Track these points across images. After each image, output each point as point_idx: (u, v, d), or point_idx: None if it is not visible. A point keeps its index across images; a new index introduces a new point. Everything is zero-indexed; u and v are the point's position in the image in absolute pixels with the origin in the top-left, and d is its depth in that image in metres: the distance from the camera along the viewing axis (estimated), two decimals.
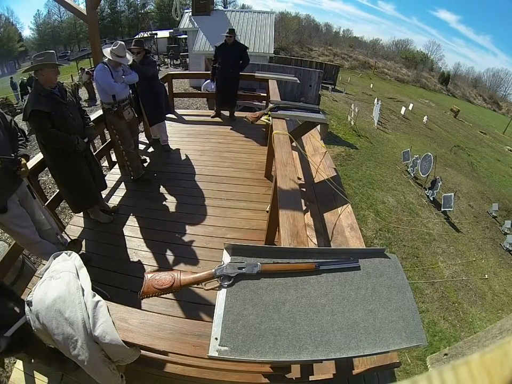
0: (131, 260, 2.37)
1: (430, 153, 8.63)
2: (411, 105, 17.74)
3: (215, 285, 1.01)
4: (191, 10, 14.37)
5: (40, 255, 2.13)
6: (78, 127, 2.27)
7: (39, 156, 2.31)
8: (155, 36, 23.98)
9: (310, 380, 1.49)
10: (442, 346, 3.93)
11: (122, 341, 1.02)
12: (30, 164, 2.20)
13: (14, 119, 2.04)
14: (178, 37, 22.30)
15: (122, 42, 2.82)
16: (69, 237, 2.38)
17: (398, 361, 1.52)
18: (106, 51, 2.81)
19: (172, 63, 20.21)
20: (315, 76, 9.53)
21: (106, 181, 2.88)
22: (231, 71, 4.38)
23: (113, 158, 3.56)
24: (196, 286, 1.05)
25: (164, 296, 1.98)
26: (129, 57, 2.97)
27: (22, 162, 1.81)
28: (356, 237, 2.34)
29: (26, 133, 2.11)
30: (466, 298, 5.21)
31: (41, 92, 2.02)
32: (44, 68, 1.99)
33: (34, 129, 2.08)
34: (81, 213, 2.74)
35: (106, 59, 2.84)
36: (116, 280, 2.18)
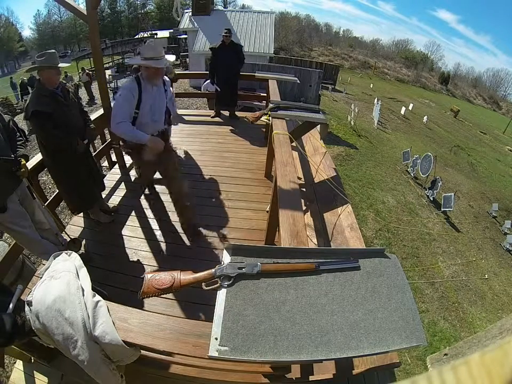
0: (131, 259, 2.37)
1: (430, 153, 8.63)
2: (411, 105, 17.74)
3: (215, 285, 1.01)
4: (191, 10, 14.37)
5: (40, 255, 2.13)
6: (79, 128, 2.27)
7: (39, 156, 2.31)
8: (155, 36, 23.98)
9: (310, 380, 1.49)
10: (442, 346, 3.93)
11: (122, 341, 1.02)
12: (30, 164, 2.20)
13: (14, 119, 2.04)
14: (178, 37, 22.30)
15: (153, 40, 2.24)
16: (69, 237, 2.38)
17: (398, 361, 1.52)
18: (136, 60, 2.19)
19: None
20: (315, 76, 9.53)
21: (106, 181, 2.88)
22: (233, 70, 4.37)
23: (113, 158, 3.55)
24: (195, 286, 1.05)
25: (164, 296, 1.98)
26: (170, 57, 2.39)
27: (22, 162, 1.81)
28: (356, 237, 2.34)
29: (26, 133, 2.11)
30: (466, 298, 5.20)
31: (43, 92, 2.01)
32: (44, 69, 1.98)
33: (34, 130, 2.08)
34: (81, 213, 2.74)
35: (138, 72, 2.17)
36: (116, 280, 2.18)
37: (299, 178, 2.88)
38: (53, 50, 2.04)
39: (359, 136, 11.16)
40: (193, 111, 8.31)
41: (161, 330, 1.07)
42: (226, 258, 1.11)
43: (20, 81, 12.25)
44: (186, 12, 14.75)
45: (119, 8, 43.79)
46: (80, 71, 13.91)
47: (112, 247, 2.48)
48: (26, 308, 1.07)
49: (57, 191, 2.61)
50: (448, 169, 10.75)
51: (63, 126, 2.10)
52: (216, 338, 0.88)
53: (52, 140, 2.08)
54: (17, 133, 1.97)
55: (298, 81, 4.70)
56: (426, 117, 16.12)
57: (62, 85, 2.15)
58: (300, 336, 0.92)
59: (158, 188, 3.12)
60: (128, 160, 3.58)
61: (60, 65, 2.04)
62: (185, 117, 4.93)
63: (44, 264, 1.28)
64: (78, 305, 1.04)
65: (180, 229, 2.64)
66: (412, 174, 9.06)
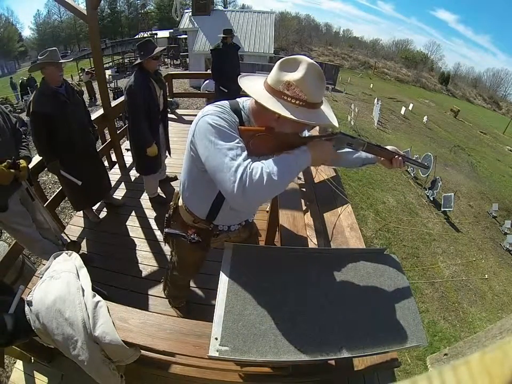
0: (131, 260, 2.37)
1: (430, 153, 8.63)
2: (411, 105, 17.72)
3: None
4: (191, 10, 14.38)
5: (41, 255, 2.13)
6: (82, 129, 2.27)
7: (38, 157, 2.30)
8: (155, 36, 23.98)
9: (310, 379, 1.49)
10: (442, 346, 3.92)
11: (122, 341, 1.02)
12: (30, 164, 2.20)
13: (22, 118, 2.04)
14: (178, 37, 22.30)
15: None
16: (68, 238, 2.38)
17: (398, 361, 1.52)
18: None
19: (171, 63, 20.20)
20: None
21: None
22: (237, 70, 4.36)
23: (113, 158, 3.55)
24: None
25: (164, 296, 1.98)
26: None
27: (22, 165, 1.79)
28: (356, 237, 2.33)
29: (27, 133, 2.11)
30: (466, 298, 5.20)
31: (46, 91, 2.03)
32: (46, 66, 2.00)
33: (31, 127, 2.09)
34: (81, 212, 2.74)
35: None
36: (116, 280, 2.18)
37: (299, 178, 2.87)
38: (54, 48, 2.06)
39: (359, 136, 11.15)
40: (193, 111, 8.31)
41: (161, 330, 1.07)
42: (226, 258, 1.11)
43: (20, 81, 12.25)
44: (186, 12, 14.76)
45: (119, 8, 43.78)
46: (79, 71, 13.90)
47: (112, 247, 2.48)
48: (26, 308, 1.07)
49: (57, 191, 2.61)
50: (448, 169, 10.74)
51: (63, 125, 2.10)
52: (217, 338, 0.88)
53: (37, 143, 2.09)
54: (23, 134, 1.98)
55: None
56: (426, 117, 16.11)
57: (66, 83, 2.17)
58: (300, 336, 0.92)
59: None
60: (128, 160, 3.58)
61: (62, 60, 2.06)
62: (185, 117, 4.93)
63: (44, 264, 1.28)
64: (78, 305, 1.04)
65: None
66: (412, 174, 9.05)
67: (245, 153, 0.85)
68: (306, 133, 1.12)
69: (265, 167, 0.81)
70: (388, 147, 1.11)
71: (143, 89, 2.31)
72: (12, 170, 1.71)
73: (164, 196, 3.06)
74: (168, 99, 2.84)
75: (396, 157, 1.09)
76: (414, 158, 1.17)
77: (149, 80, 2.36)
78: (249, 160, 0.83)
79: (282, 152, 0.92)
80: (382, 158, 1.11)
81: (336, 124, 0.94)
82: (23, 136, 1.98)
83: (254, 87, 0.93)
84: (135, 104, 2.33)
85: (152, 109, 2.42)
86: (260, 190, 0.79)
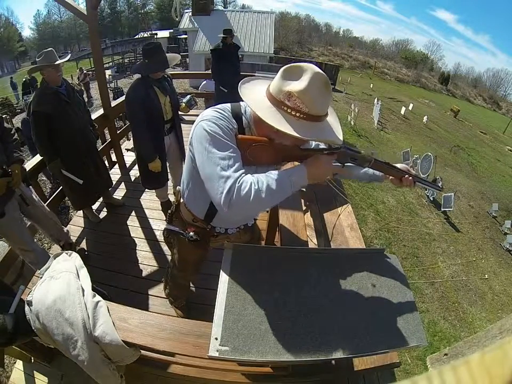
0: (131, 260, 2.37)
1: (430, 153, 8.63)
2: (411, 105, 17.71)
3: None
4: (191, 10, 14.37)
5: (31, 264, 2.02)
6: (82, 128, 2.28)
7: (38, 157, 2.30)
8: (155, 36, 23.98)
9: (310, 379, 1.49)
10: (442, 346, 3.92)
11: (122, 341, 1.02)
12: (30, 164, 2.21)
13: (1, 116, 1.90)
14: (178, 37, 22.32)
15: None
16: (69, 240, 2.37)
17: (398, 361, 1.52)
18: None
19: None
20: None
21: None
22: (237, 70, 4.35)
23: (113, 158, 3.55)
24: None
25: (164, 296, 1.98)
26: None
27: (15, 172, 1.73)
28: (356, 237, 2.33)
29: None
30: (466, 298, 5.20)
31: (46, 90, 2.05)
32: (44, 68, 2.00)
33: (31, 127, 2.07)
34: (81, 212, 2.74)
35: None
36: (116, 280, 2.18)
37: None
38: (50, 49, 2.05)
39: (359, 136, 11.16)
40: (193, 111, 8.31)
41: (161, 330, 1.07)
42: (227, 257, 1.11)
43: (24, 80, 12.24)
44: (186, 12, 14.76)
45: (119, 8, 43.82)
46: (78, 71, 13.91)
47: (112, 247, 2.48)
48: (26, 308, 1.07)
49: (57, 191, 2.61)
50: (448, 169, 10.74)
51: (64, 124, 2.11)
52: (217, 338, 0.88)
53: (38, 144, 2.09)
54: (11, 132, 1.84)
55: None
56: (426, 117, 16.09)
57: (67, 83, 2.18)
58: (301, 336, 0.92)
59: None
60: (128, 160, 3.59)
61: (58, 61, 2.04)
62: (185, 117, 4.92)
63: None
64: (78, 305, 1.04)
65: None
66: None
67: (238, 164, 0.82)
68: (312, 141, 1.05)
69: (255, 182, 0.78)
70: (398, 165, 1.03)
71: (142, 98, 2.10)
72: (4, 178, 1.67)
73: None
74: (187, 96, 2.69)
75: (406, 176, 1.02)
76: (414, 158, 1.12)
77: (150, 88, 2.14)
78: (240, 172, 0.80)
79: (281, 162, 0.90)
80: (391, 176, 1.04)
81: (340, 138, 0.87)
82: (13, 133, 1.86)
83: (254, 95, 0.88)
84: (133, 115, 2.17)
85: (155, 119, 2.21)
86: (246, 205, 0.77)
